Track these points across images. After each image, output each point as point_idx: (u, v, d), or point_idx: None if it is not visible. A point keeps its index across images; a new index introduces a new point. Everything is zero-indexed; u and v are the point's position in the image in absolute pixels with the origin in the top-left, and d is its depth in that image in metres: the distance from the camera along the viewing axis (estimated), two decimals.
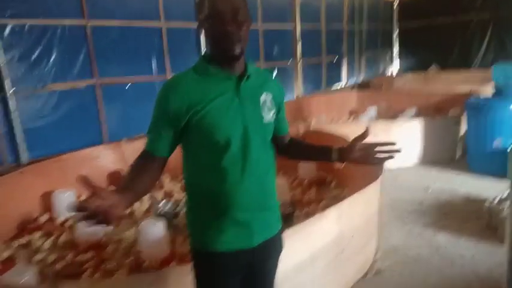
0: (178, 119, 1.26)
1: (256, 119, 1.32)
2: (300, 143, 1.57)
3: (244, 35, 1.26)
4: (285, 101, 1.49)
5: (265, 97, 1.36)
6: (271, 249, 1.43)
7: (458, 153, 5.46)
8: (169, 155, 1.33)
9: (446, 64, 11.01)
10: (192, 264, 1.41)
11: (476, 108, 4.69)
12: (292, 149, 1.54)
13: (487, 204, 3.40)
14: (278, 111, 1.43)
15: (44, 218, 3.61)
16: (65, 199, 3.72)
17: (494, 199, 3.50)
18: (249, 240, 1.34)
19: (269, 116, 1.36)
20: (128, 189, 1.21)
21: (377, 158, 1.36)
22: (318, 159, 1.56)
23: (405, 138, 5.26)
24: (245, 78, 1.31)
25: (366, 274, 2.82)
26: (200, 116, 1.24)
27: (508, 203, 3.26)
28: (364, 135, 1.38)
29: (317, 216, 2.39)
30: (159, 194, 4.13)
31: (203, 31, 1.30)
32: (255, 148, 1.31)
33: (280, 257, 1.49)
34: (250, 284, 1.41)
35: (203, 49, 5.89)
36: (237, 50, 1.25)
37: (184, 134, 1.29)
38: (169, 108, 1.25)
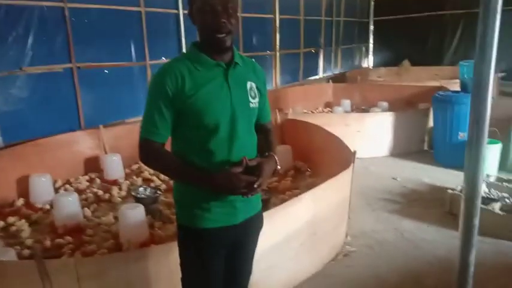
0: (175, 101, 1.34)
1: (244, 103, 1.43)
2: (262, 137, 1.54)
3: (234, 26, 1.36)
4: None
5: (251, 84, 1.47)
6: (253, 226, 1.55)
7: (426, 145, 5.74)
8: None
9: (418, 59, 11.38)
10: (178, 240, 1.50)
11: (442, 102, 4.95)
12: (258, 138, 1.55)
13: (449, 192, 3.65)
14: (260, 100, 1.53)
15: (20, 202, 3.61)
16: (42, 183, 3.72)
17: (456, 188, 3.75)
18: (233, 218, 1.44)
19: (255, 101, 1.47)
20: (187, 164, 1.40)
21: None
22: None
23: (376, 130, 5.51)
24: (233, 65, 1.41)
25: (336, 255, 3.00)
26: (192, 100, 1.34)
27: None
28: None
29: (293, 200, 2.54)
30: (138, 180, 4.18)
31: (194, 21, 1.39)
32: (242, 131, 1.41)
33: (260, 233, 1.62)
34: (232, 259, 1.52)
35: (183, 35, 5.90)
36: (228, 42, 1.36)
37: (176, 117, 1.38)
38: (168, 91, 1.33)
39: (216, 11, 1.31)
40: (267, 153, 1.47)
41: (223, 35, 1.33)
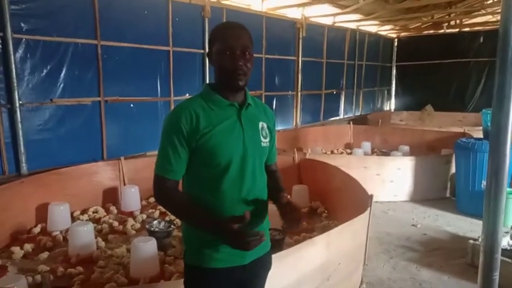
0: (189, 140, 1.37)
1: (255, 142, 1.46)
2: (271, 178, 1.58)
3: (249, 69, 1.42)
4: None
5: (263, 124, 1.51)
6: (261, 267, 1.53)
7: (448, 192, 5.58)
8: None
9: (441, 105, 11.31)
10: (185, 280, 1.49)
11: (465, 149, 4.85)
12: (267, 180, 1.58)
13: (470, 243, 3.50)
14: (270, 140, 1.56)
15: (37, 229, 3.68)
16: (60, 212, 3.79)
17: (478, 238, 3.59)
18: (242, 258, 1.42)
19: (266, 140, 1.50)
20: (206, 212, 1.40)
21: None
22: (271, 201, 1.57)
23: (397, 174, 5.40)
24: (246, 106, 1.46)
25: None
26: (206, 139, 1.37)
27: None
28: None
29: (306, 242, 2.49)
30: (154, 213, 4.21)
31: (212, 61, 1.45)
32: (252, 170, 1.43)
33: (268, 274, 1.58)
34: None
35: (208, 74, 6.11)
36: (242, 82, 1.41)
37: (190, 155, 1.41)
38: (183, 129, 1.36)
39: (235, 55, 1.37)
40: (284, 198, 1.47)
41: (240, 76, 1.39)
